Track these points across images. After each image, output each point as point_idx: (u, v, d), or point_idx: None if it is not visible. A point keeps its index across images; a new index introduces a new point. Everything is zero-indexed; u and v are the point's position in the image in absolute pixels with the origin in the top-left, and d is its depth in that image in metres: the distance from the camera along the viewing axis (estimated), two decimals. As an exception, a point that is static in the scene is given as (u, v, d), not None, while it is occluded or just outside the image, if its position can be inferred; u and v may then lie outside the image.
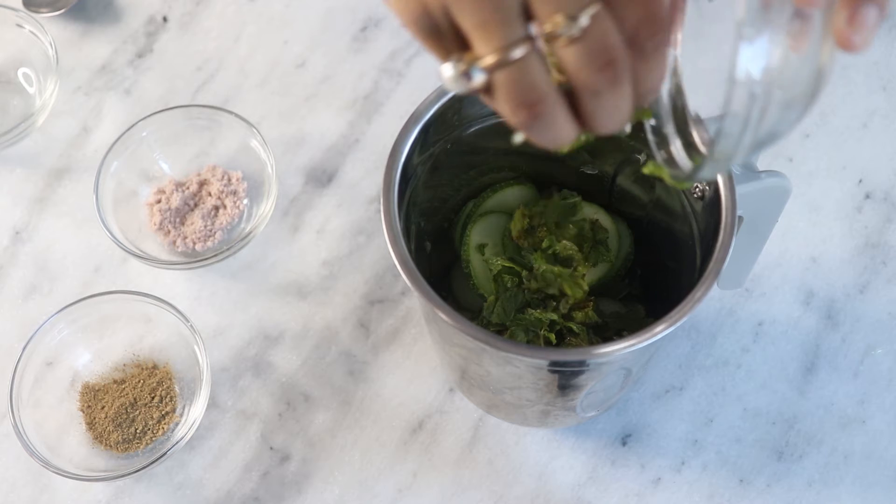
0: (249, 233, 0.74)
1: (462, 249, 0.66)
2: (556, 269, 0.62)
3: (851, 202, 0.77)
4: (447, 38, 0.37)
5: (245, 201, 0.77)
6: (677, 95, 0.45)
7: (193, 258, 0.75)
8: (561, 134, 0.38)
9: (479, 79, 0.36)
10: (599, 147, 0.64)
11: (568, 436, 0.70)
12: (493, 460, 0.70)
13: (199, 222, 0.76)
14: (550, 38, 0.35)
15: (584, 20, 0.35)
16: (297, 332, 0.74)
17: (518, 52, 0.36)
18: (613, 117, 0.38)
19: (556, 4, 0.35)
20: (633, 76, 0.37)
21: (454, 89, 0.37)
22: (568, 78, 0.37)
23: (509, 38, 0.35)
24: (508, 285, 0.63)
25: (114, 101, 0.83)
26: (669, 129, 0.46)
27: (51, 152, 0.81)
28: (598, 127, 0.38)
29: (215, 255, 0.73)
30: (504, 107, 0.37)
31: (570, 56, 0.36)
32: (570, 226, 0.64)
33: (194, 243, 0.75)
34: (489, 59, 0.36)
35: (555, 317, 0.61)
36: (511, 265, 0.63)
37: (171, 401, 0.71)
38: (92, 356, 0.73)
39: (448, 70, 0.37)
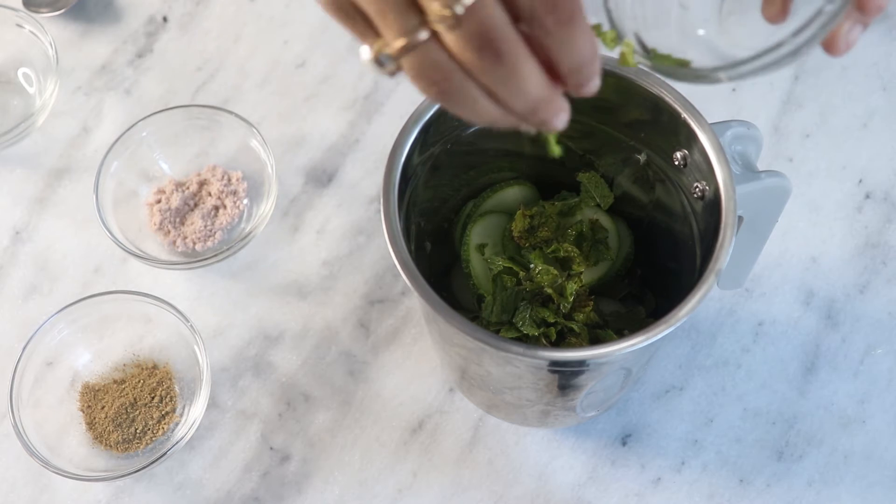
0: (249, 233, 0.74)
1: (462, 249, 0.66)
2: (552, 269, 0.62)
3: (851, 202, 0.77)
4: (360, 23, 0.38)
5: (245, 201, 0.77)
6: None
7: (193, 258, 0.75)
8: (478, 109, 0.39)
9: (389, 66, 0.38)
10: (599, 147, 0.64)
11: (568, 436, 0.70)
12: (493, 460, 0.70)
13: (199, 222, 0.76)
14: (436, 24, 0.36)
15: (459, 8, 0.35)
16: (297, 332, 0.74)
17: (422, 35, 0.37)
18: (517, 95, 0.38)
19: None
20: (549, 53, 0.37)
21: (371, 72, 0.39)
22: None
23: (406, 26, 0.37)
24: (508, 285, 0.63)
25: (114, 101, 0.83)
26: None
27: (51, 152, 0.81)
28: (505, 103, 0.38)
29: (215, 255, 0.73)
30: (417, 86, 0.38)
31: (450, 41, 0.36)
32: (571, 227, 0.64)
33: (194, 243, 0.75)
34: (395, 45, 0.37)
35: (549, 315, 0.61)
36: (511, 265, 0.63)
37: (171, 401, 0.71)
38: (92, 356, 0.73)
39: (364, 53, 0.38)
